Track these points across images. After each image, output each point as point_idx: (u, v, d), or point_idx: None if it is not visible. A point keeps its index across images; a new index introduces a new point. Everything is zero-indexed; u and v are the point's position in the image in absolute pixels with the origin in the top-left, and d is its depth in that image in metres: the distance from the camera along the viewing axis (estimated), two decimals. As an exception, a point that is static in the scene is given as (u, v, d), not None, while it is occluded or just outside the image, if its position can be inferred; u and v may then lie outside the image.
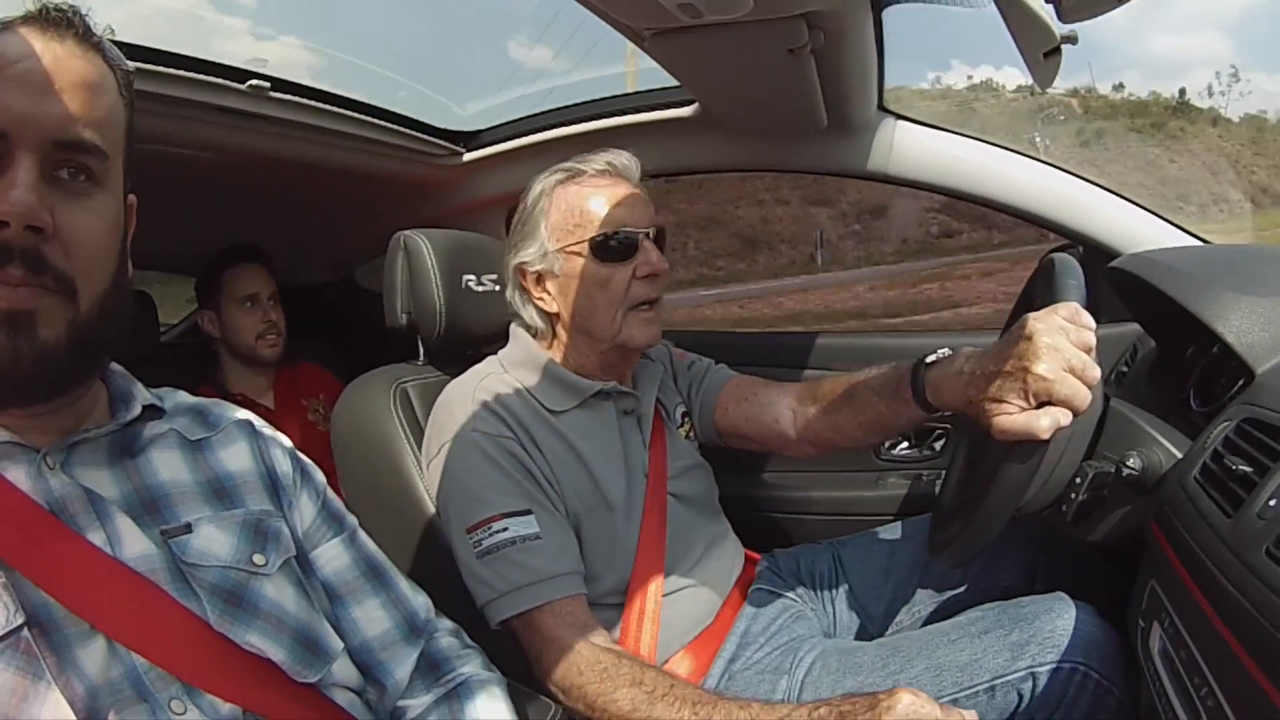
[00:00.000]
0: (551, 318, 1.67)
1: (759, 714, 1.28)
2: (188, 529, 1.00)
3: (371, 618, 1.18)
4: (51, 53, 0.86)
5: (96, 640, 0.88)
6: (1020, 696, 1.39)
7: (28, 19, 0.88)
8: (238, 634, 0.96)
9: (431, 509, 1.60)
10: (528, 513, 1.49)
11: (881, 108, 2.21)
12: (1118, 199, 2.18)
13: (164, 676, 0.90)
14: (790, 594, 1.80)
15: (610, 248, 1.59)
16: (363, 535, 1.25)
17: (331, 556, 1.18)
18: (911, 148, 2.24)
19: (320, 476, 1.23)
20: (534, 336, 1.70)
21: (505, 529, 1.46)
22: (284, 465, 1.17)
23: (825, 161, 2.33)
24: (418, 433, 1.67)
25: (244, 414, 1.19)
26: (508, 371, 1.64)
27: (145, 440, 1.04)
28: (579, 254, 1.60)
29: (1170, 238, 2.13)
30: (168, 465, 1.04)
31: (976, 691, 1.40)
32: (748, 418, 1.84)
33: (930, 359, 1.52)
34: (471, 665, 1.22)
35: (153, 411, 1.07)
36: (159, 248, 3.09)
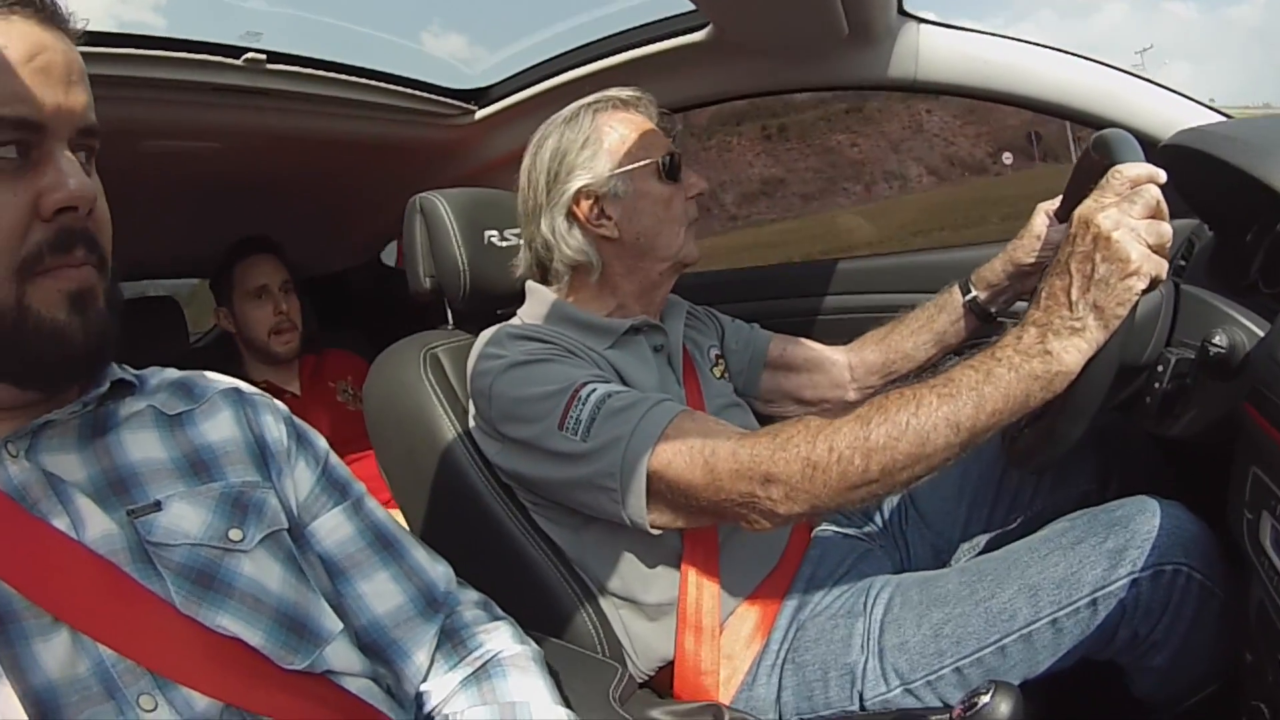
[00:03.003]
0: (606, 246, 1.63)
1: (979, 367, 1.21)
2: (157, 507, 0.95)
3: (381, 592, 1.11)
4: (59, 44, 0.89)
5: (59, 633, 0.84)
6: (1124, 607, 1.30)
7: (14, 6, 0.87)
8: (207, 616, 0.91)
9: (470, 473, 1.54)
10: (604, 379, 1.45)
11: (902, 11, 2.11)
12: (1153, 85, 2.08)
13: (133, 669, 0.85)
14: (856, 531, 1.73)
15: (672, 168, 1.61)
16: (370, 503, 1.17)
17: (333, 527, 1.11)
18: (937, 51, 2.14)
19: (322, 443, 1.17)
20: (559, 282, 1.66)
21: (594, 390, 1.39)
22: (274, 431, 1.11)
23: (848, 75, 2.23)
24: (451, 397, 1.61)
25: (232, 382, 1.15)
26: (532, 340, 1.56)
27: (119, 419, 1.00)
28: (648, 173, 1.61)
29: (1207, 117, 2.01)
30: (140, 443, 0.99)
31: (1078, 607, 1.31)
32: (805, 385, 1.88)
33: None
34: (501, 639, 1.14)
35: (124, 387, 1.02)
36: (178, 252, 3.11)
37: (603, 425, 1.36)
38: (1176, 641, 1.30)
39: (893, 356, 1.83)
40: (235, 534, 0.97)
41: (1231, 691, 1.27)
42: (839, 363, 1.87)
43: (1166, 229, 1.16)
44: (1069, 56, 2.11)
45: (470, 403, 1.57)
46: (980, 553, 1.68)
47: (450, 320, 1.83)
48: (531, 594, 1.48)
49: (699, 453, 1.31)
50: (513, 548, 1.49)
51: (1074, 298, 1.16)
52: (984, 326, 1.77)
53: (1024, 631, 1.34)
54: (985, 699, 1.12)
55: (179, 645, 0.88)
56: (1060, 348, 1.16)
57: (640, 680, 1.48)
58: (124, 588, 0.87)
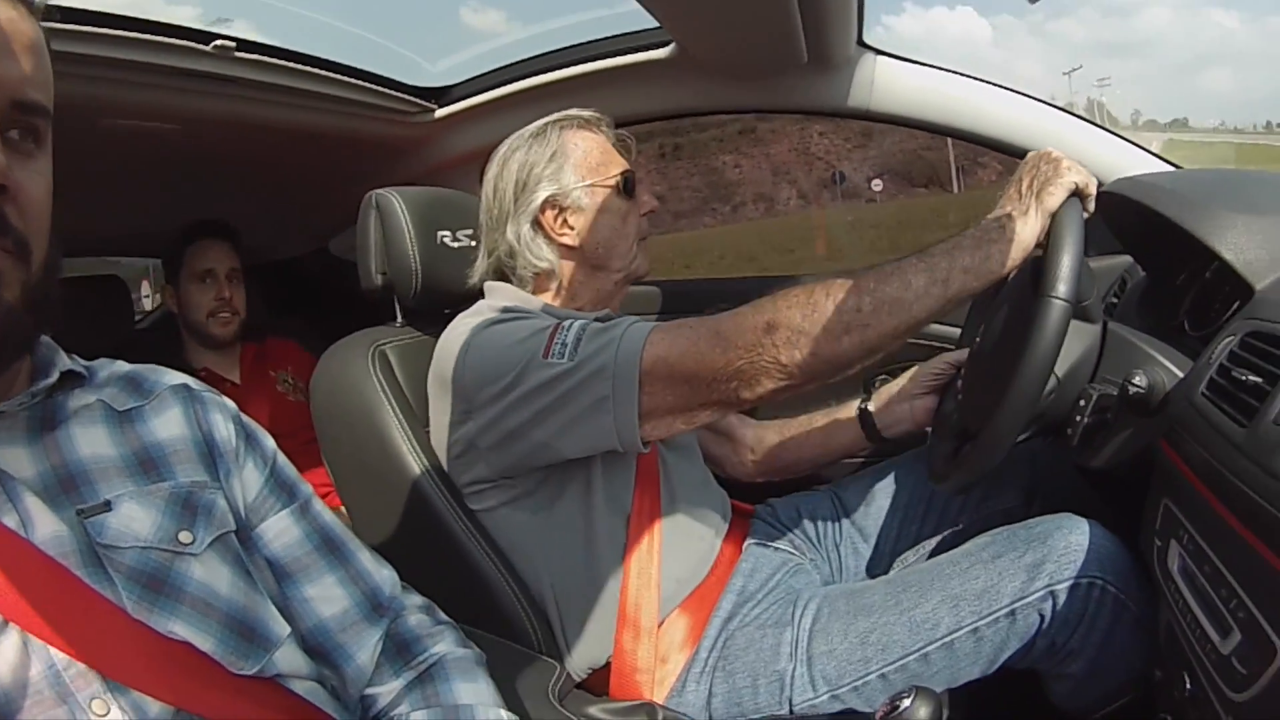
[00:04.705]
0: (566, 254, 1.68)
1: (949, 240, 1.37)
2: (106, 507, 0.92)
3: (327, 597, 1.09)
4: (4, 13, 0.83)
5: (9, 635, 0.82)
6: (1041, 617, 1.38)
7: None
8: (159, 622, 0.89)
9: (416, 471, 1.55)
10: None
11: (861, 43, 2.18)
12: (1100, 130, 2.17)
13: (85, 673, 0.83)
14: (787, 546, 1.79)
15: (629, 185, 1.68)
16: (318, 506, 1.15)
17: (280, 530, 1.09)
18: (893, 83, 2.21)
19: (270, 443, 1.15)
20: (521, 285, 1.70)
21: (574, 321, 1.45)
22: (223, 431, 1.08)
23: (806, 100, 2.29)
24: (399, 395, 1.63)
25: (180, 378, 1.11)
26: (505, 309, 1.60)
27: (68, 413, 0.97)
28: (608, 188, 1.67)
29: (1150, 165, 2.12)
30: (90, 440, 0.97)
31: (997, 617, 1.39)
32: (709, 440, 1.96)
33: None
34: (445, 643, 1.14)
35: (73, 379, 0.99)
36: (130, 229, 3.06)
37: (589, 343, 1.40)
38: (1092, 651, 1.39)
39: (787, 449, 1.96)
40: (185, 536, 0.95)
41: (1144, 704, 1.35)
42: (741, 430, 1.99)
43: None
44: (1019, 97, 2.19)
45: (434, 394, 1.59)
46: (908, 565, 1.75)
47: (399, 317, 1.84)
48: (473, 592, 1.50)
49: (698, 326, 1.38)
50: (455, 546, 1.51)
51: (1023, 191, 1.37)
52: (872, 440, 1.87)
53: (946, 640, 1.41)
54: (906, 703, 1.17)
55: (131, 650, 0.86)
56: (1012, 224, 1.34)
57: (577, 679, 1.51)
58: (75, 590, 0.86)
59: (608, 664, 1.53)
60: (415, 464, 1.56)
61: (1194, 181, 1.70)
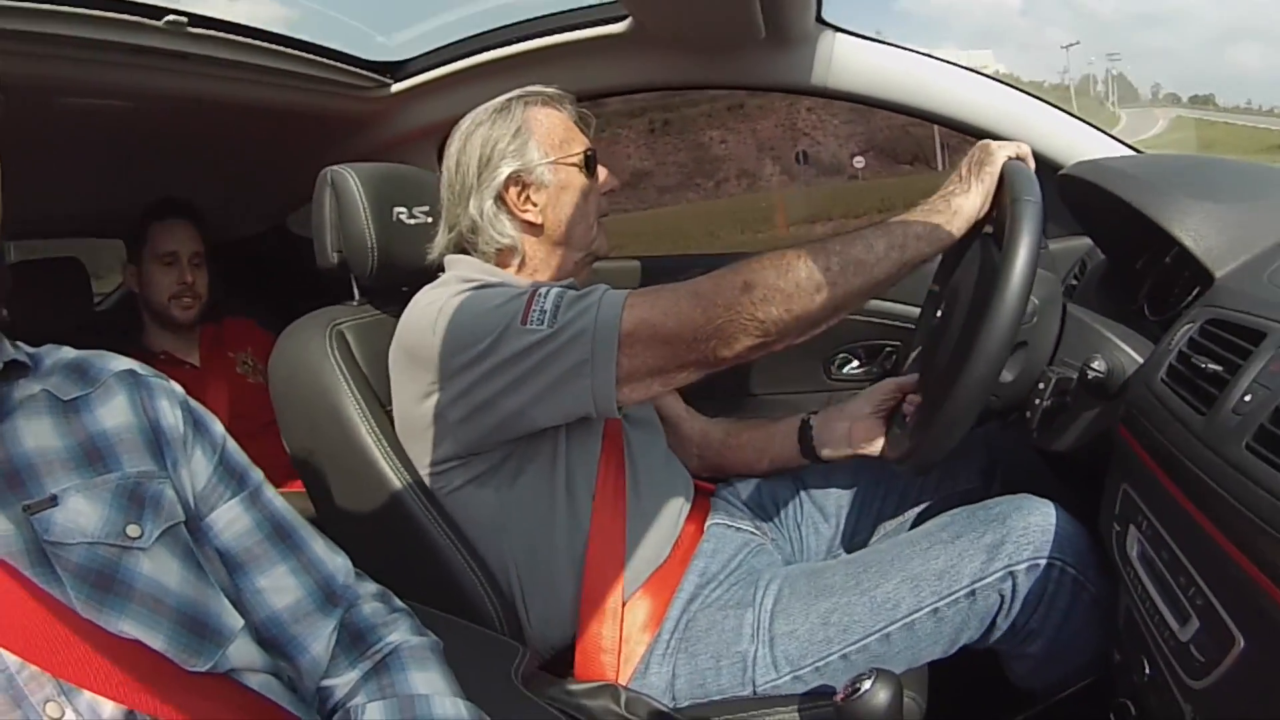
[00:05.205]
0: (529, 230, 1.67)
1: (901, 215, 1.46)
2: (53, 502, 0.90)
3: (280, 587, 1.07)
4: None
5: None
6: (1001, 598, 1.41)
7: None
8: (109, 621, 0.87)
9: (376, 453, 1.54)
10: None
11: (820, 19, 2.17)
12: (1059, 112, 2.20)
13: (37, 675, 0.82)
14: (749, 526, 1.78)
15: (591, 163, 1.67)
16: (269, 493, 1.13)
17: (230, 520, 1.07)
18: (851, 60, 2.21)
19: (218, 429, 1.12)
20: (484, 261, 1.68)
21: (551, 288, 1.45)
22: (169, 417, 1.05)
23: (763, 75, 2.29)
24: (357, 375, 1.61)
25: (127, 364, 1.08)
26: (471, 280, 1.58)
27: (13, 404, 0.95)
28: (572, 166, 1.66)
29: (1109, 149, 2.15)
30: (34, 431, 0.94)
31: (957, 598, 1.41)
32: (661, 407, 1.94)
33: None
34: (400, 631, 1.12)
35: (17, 369, 0.97)
36: (85, 209, 2.99)
37: (568, 309, 1.39)
38: (1051, 631, 1.41)
39: (730, 451, 1.95)
40: (133, 530, 0.93)
41: (1104, 687, 1.37)
42: (690, 424, 1.99)
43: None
44: (980, 78, 2.21)
45: (398, 370, 1.57)
46: (868, 546, 1.75)
47: (356, 295, 1.82)
48: (434, 573, 1.49)
49: (677, 288, 1.40)
50: (416, 527, 1.50)
51: (963, 175, 1.48)
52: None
53: (907, 620, 1.42)
54: (867, 685, 1.19)
55: (82, 651, 0.84)
56: (956, 198, 1.45)
57: (540, 660, 1.51)
58: (25, 591, 0.84)
59: (571, 645, 1.52)
60: (375, 445, 1.55)
61: (1156, 167, 1.71)
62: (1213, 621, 0.94)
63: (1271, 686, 0.85)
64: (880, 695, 1.18)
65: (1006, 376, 1.47)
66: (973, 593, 1.41)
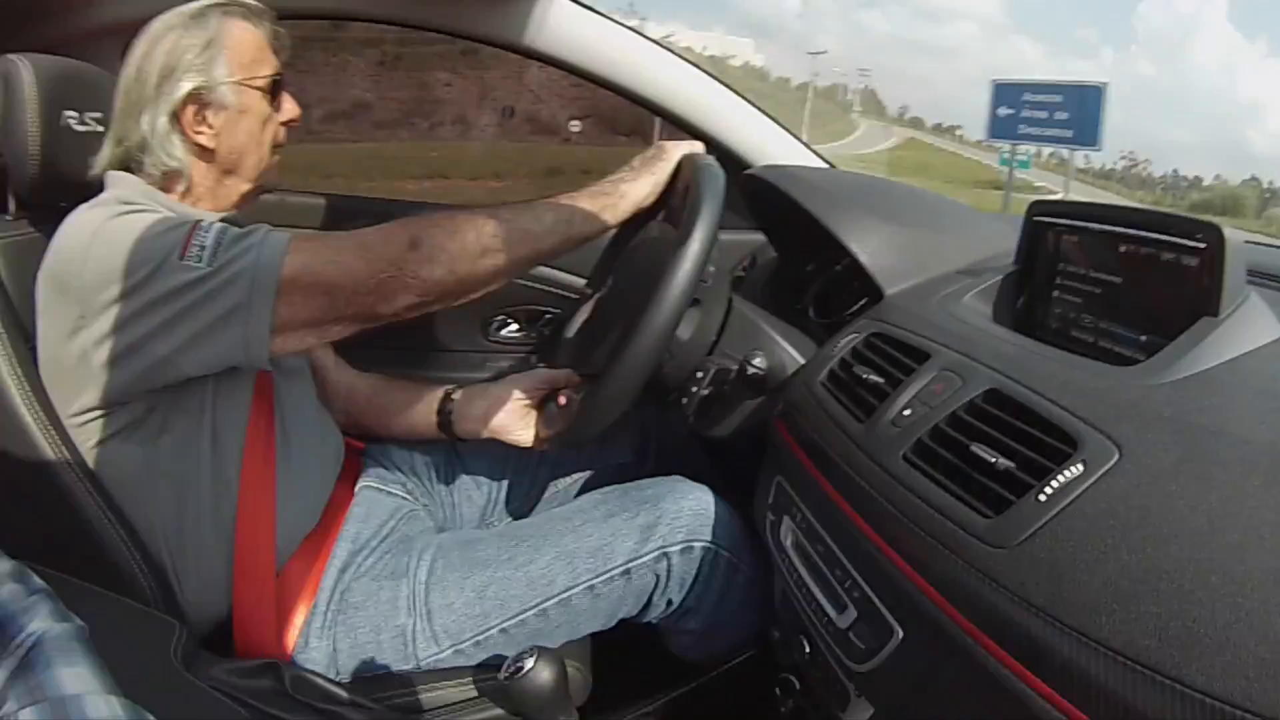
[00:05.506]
0: (200, 155, 1.51)
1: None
2: None
3: None
4: None
5: None
6: (657, 577, 1.46)
7: None
8: None
9: (15, 397, 1.34)
10: None
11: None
12: (757, 112, 2.26)
13: None
14: (400, 490, 1.71)
15: (276, 89, 1.55)
16: None
17: None
18: (564, 26, 2.16)
19: None
20: (148, 182, 1.51)
21: (214, 220, 1.35)
22: None
23: (474, 25, 2.20)
24: (3, 301, 1.40)
25: None
26: (131, 203, 1.41)
27: None
28: (257, 90, 1.52)
29: (801, 157, 2.25)
30: None
31: (612, 576, 1.45)
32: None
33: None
34: (40, 619, 0.95)
35: None
36: None
37: (228, 249, 1.28)
38: (709, 610, 1.48)
39: (373, 410, 1.85)
40: None
41: (768, 660, 1.45)
42: (337, 376, 1.87)
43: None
44: (692, 69, 2.23)
45: (45, 300, 1.37)
46: (521, 516, 1.77)
47: (11, 208, 1.59)
48: (79, 540, 1.34)
49: (343, 238, 1.33)
50: (58, 486, 1.32)
51: (636, 166, 1.52)
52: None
53: (563, 596, 1.44)
54: (529, 664, 1.20)
55: None
56: (624, 184, 1.49)
57: (200, 637, 1.38)
58: None
59: (229, 619, 1.42)
60: (15, 387, 1.35)
61: (843, 182, 1.78)
62: (871, 613, 1.01)
63: (931, 673, 0.92)
64: (543, 674, 1.20)
65: (684, 334, 1.49)
66: (628, 571, 1.45)
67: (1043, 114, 15.81)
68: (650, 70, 2.20)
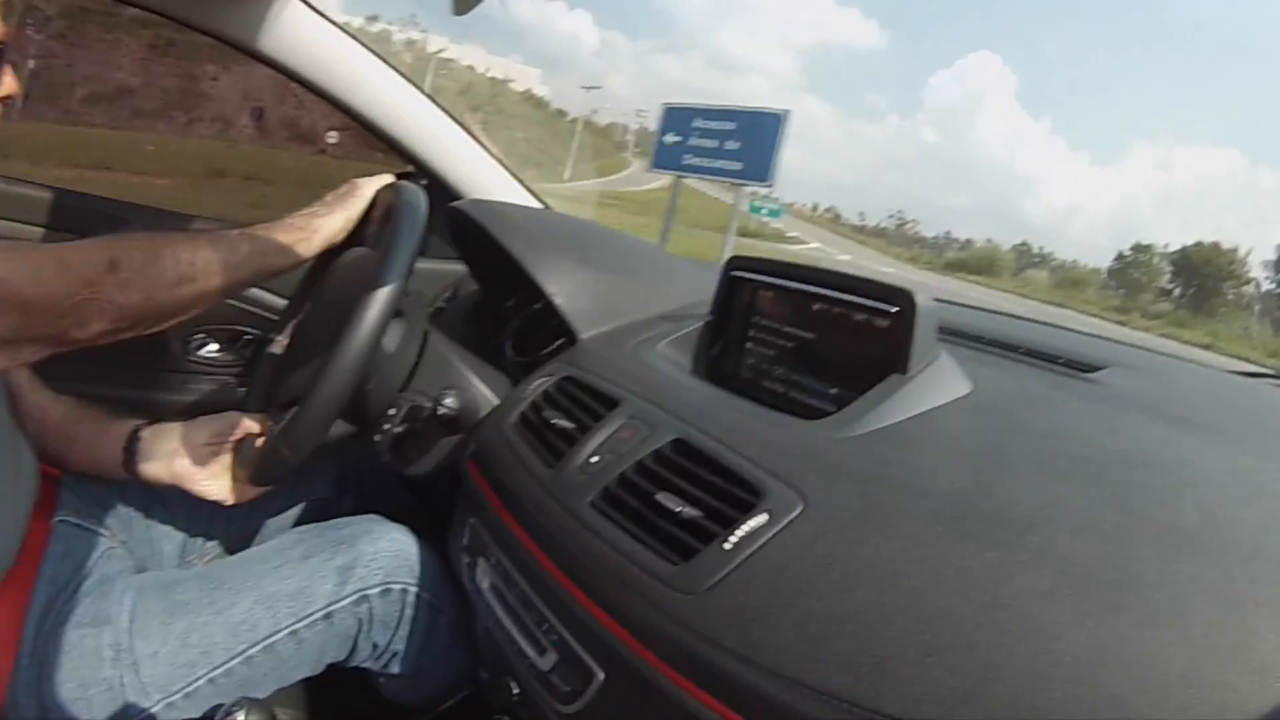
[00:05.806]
0: None
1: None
2: None
3: None
4: None
5: None
6: (359, 620, 1.41)
7: None
8: None
9: None
10: None
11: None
12: (474, 143, 2.26)
13: None
14: (96, 525, 1.53)
15: None
16: None
17: None
18: (299, 33, 2.08)
19: None
20: None
21: None
22: None
23: (206, 19, 2.06)
24: None
25: None
26: None
27: None
28: None
29: (516, 195, 2.27)
30: None
31: (314, 619, 1.38)
32: None
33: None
34: None
35: None
36: None
37: None
38: (414, 653, 1.45)
39: (64, 438, 1.57)
40: None
41: (482, 701, 1.43)
42: (32, 398, 1.59)
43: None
44: (420, 97, 2.21)
45: None
46: (222, 553, 1.69)
47: None
48: None
49: (42, 252, 1.19)
50: None
51: (329, 201, 1.52)
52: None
53: (267, 643, 1.37)
54: (240, 716, 1.14)
55: None
56: (318, 220, 1.48)
57: None
58: None
59: None
60: None
61: (548, 223, 1.79)
62: (570, 656, 1.01)
63: (637, 715, 0.92)
64: None
65: (389, 346, 1.47)
66: (329, 615, 1.39)
67: (712, 143, 13.02)
68: (375, 92, 2.16)
